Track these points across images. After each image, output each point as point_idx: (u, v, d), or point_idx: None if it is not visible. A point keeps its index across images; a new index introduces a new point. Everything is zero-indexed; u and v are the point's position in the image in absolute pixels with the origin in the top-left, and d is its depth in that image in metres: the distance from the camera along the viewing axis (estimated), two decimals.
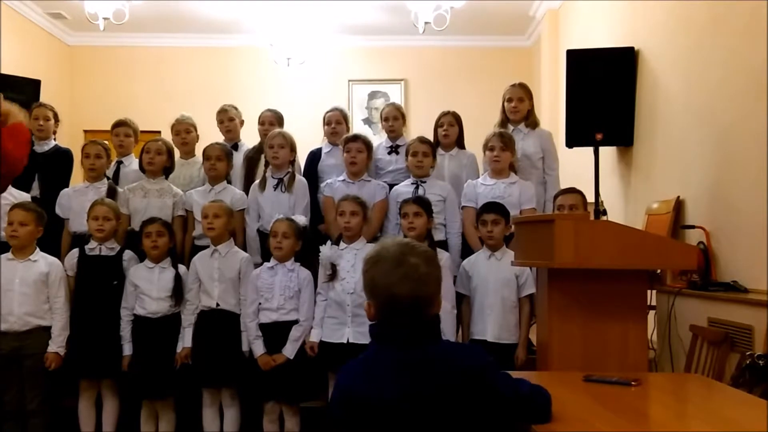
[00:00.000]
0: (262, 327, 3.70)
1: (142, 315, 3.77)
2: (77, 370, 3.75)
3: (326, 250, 3.74)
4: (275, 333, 3.68)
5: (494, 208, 3.73)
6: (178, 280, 3.80)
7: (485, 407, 1.66)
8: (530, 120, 4.50)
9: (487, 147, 4.18)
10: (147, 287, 3.78)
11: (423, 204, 3.78)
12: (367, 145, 4.20)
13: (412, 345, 1.70)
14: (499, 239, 3.71)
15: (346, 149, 4.16)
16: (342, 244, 3.77)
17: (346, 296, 3.67)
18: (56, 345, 3.69)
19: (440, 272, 1.81)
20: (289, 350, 3.66)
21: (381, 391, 1.66)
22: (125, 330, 3.78)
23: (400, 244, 1.78)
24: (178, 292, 3.79)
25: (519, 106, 4.44)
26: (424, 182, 4.13)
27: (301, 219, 3.90)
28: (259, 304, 3.72)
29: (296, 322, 3.70)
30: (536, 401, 1.79)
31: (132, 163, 4.62)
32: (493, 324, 3.62)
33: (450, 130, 4.45)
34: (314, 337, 3.70)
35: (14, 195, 4.02)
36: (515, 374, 1.86)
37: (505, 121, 4.50)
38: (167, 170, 4.36)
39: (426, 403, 1.63)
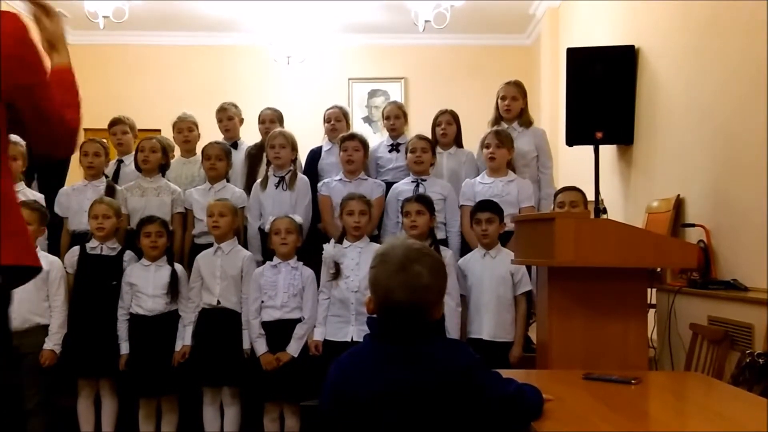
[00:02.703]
0: (265, 325, 3.70)
1: (139, 313, 3.77)
2: (76, 369, 3.75)
3: (329, 249, 3.74)
4: (278, 331, 3.68)
5: (488, 206, 3.73)
6: (173, 277, 3.80)
7: (471, 406, 1.66)
8: (524, 119, 4.49)
9: (484, 144, 4.19)
10: (143, 285, 3.78)
11: (425, 202, 3.78)
12: (364, 143, 4.20)
13: (403, 342, 1.71)
14: (493, 238, 3.71)
15: (342, 148, 4.17)
16: (345, 243, 3.77)
17: (350, 294, 3.67)
18: (52, 342, 3.68)
19: (445, 282, 1.79)
20: (294, 348, 3.66)
21: (366, 385, 1.67)
22: (122, 329, 3.78)
23: (408, 248, 1.74)
24: (173, 289, 3.79)
25: (512, 105, 4.45)
26: (425, 180, 4.13)
27: (298, 218, 3.90)
28: (262, 302, 3.73)
29: (299, 320, 3.71)
30: (524, 399, 1.79)
31: (132, 161, 4.62)
32: (488, 322, 3.62)
33: (448, 129, 4.44)
34: (318, 336, 3.70)
35: (27, 195, 4.02)
36: (509, 373, 1.86)
37: (498, 119, 4.50)
38: (163, 168, 4.36)
39: (408, 399, 1.63)
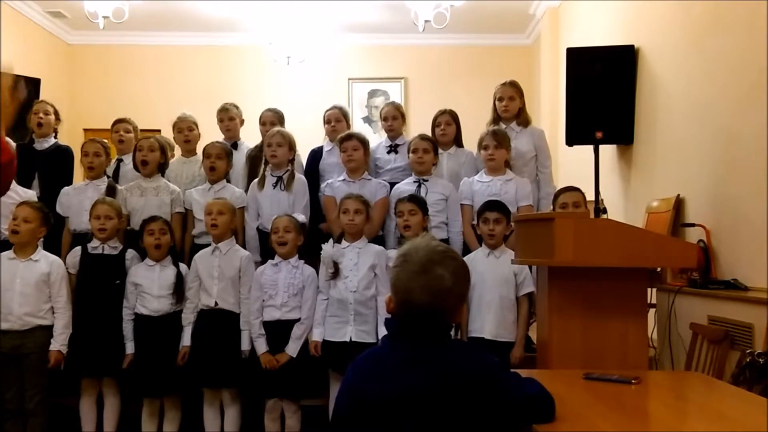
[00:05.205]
0: (265, 325, 3.70)
1: (143, 314, 3.77)
2: (79, 369, 3.75)
3: (328, 249, 3.74)
4: (277, 331, 3.68)
5: (497, 206, 3.73)
6: (179, 277, 3.80)
7: (490, 408, 1.64)
8: (522, 118, 4.50)
9: (482, 146, 4.19)
10: (148, 285, 3.78)
11: (418, 202, 3.79)
12: (363, 142, 4.19)
13: (421, 345, 1.70)
14: (500, 238, 3.71)
15: (342, 149, 4.16)
16: (344, 243, 3.76)
17: (348, 295, 3.66)
18: (59, 343, 3.68)
19: (467, 286, 1.77)
20: (292, 349, 3.66)
21: (384, 387, 1.66)
22: (127, 329, 3.78)
23: (432, 250, 1.72)
24: (179, 289, 3.79)
25: (509, 105, 4.45)
26: (427, 181, 4.13)
27: (300, 216, 3.90)
28: (263, 301, 3.72)
29: (299, 320, 3.71)
30: (545, 401, 1.78)
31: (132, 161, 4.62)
32: (490, 322, 3.62)
33: (447, 129, 4.45)
34: (317, 336, 3.70)
35: (19, 193, 4.03)
36: (522, 372, 1.85)
37: (497, 120, 4.50)
38: (162, 167, 4.36)
39: (428, 402, 1.62)
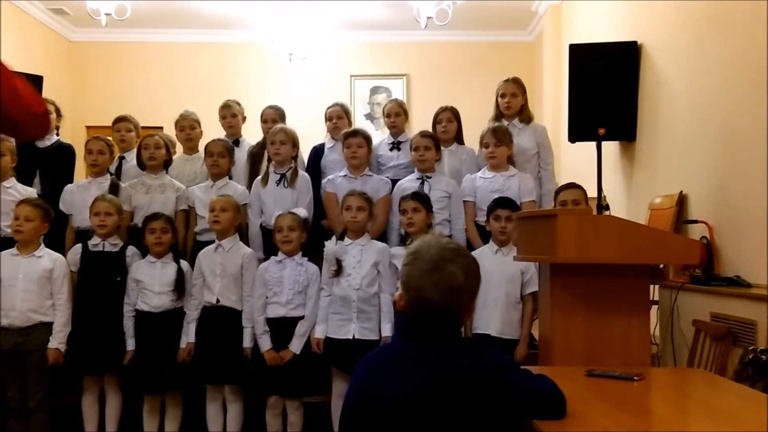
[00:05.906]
0: (269, 322, 3.70)
1: (144, 310, 3.77)
2: (80, 366, 3.75)
3: (331, 246, 3.74)
4: (282, 328, 3.69)
5: (508, 203, 3.73)
6: (180, 274, 3.80)
7: (492, 409, 1.64)
8: (524, 115, 4.49)
9: (483, 144, 4.18)
10: (149, 282, 3.78)
11: (421, 199, 3.78)
12: (367, 139, 4.19)
13: (432, 343, 1.69)
14: (511, 235, 3.69)
15: (346, 144, 4.16)
16: (347, 240, 3.76)
17: (351, 292, 3.66)
18: (57, 341, 3.68)
19: (478, 284, 1.77)
20: (296, 346, 3.66)
21: (393, 386, 1.66)
22: (128, 325, 3.78)
23: (443, 248, 1.72)
24: (180, 286, 3.79)
25: (512, 102, 4.44)
26: (430, 177, 4.13)
27: (302, 212, 3.90)
28: (267, 297, 3.73)
29: (303, 317, 3.70)
30: (551, 400, 1.75)
31: (134, 158, 4.62)
32: (496, 319, 3.61)
33: (448, 126, 4.44)
34: (319, 334, 3.70)
35: (20, 191, 4.03)
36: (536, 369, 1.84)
37: (499, 116, 4.50)
38: (166, 164, 4.37)
39: (430, 402, 1.62)
